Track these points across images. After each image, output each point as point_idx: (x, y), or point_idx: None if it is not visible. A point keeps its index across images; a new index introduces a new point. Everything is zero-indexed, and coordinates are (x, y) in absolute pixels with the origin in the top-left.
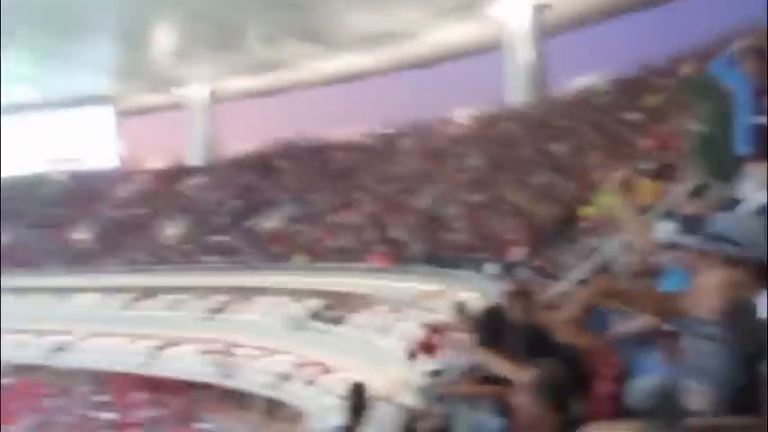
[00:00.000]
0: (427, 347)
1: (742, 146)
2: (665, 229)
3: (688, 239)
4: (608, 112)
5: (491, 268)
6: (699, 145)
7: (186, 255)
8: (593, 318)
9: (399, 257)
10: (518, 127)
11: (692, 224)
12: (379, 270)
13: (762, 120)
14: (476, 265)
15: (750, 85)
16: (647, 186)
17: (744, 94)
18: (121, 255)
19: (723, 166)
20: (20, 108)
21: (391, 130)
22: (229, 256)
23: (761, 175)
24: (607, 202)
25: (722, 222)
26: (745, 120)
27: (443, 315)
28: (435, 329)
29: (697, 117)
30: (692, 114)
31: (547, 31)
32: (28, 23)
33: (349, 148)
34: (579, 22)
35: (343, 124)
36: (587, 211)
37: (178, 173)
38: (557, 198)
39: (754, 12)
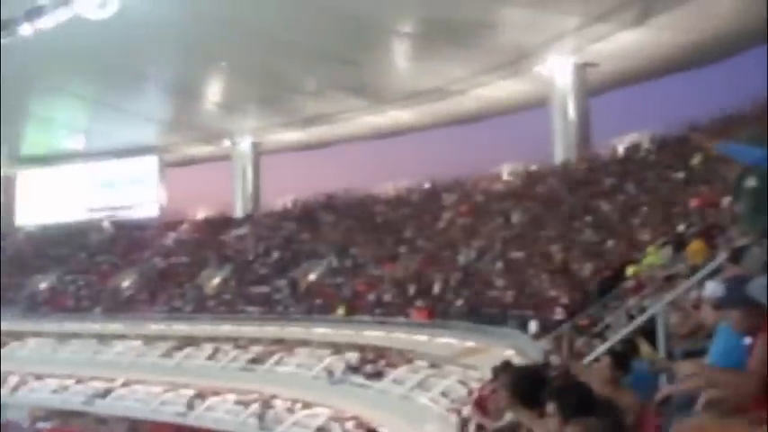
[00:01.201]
0: (480, 406)
1: None
2: (713, 290)
3: (733, 300)
4: (654, 171)
5: (533, 326)
6: (749, 203)
7: (227, 304)
8: (637, 377)
9: (440, 313)
10: (563, 184)
11: (738, 285)
12: (419, 325)
13: None
14: (518, 323)
15: None
16: (696, 246)
17: None
18: (163, 303)
19: None
20: (69, 157)
21: (435, 186)
22: (270, 307)
23: None
24: (653, 261)
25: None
26: None
27: (484, 373)
28: (485, 389)
29: (748, 175)
30: (741, 173)
31: (592, 89)
32: (80, 74)
33: (393, 202)
34: (625, 80)
35: (388, 178)
36: (633, 269)
37: (222, 223)
38: (602, 256)
39: None
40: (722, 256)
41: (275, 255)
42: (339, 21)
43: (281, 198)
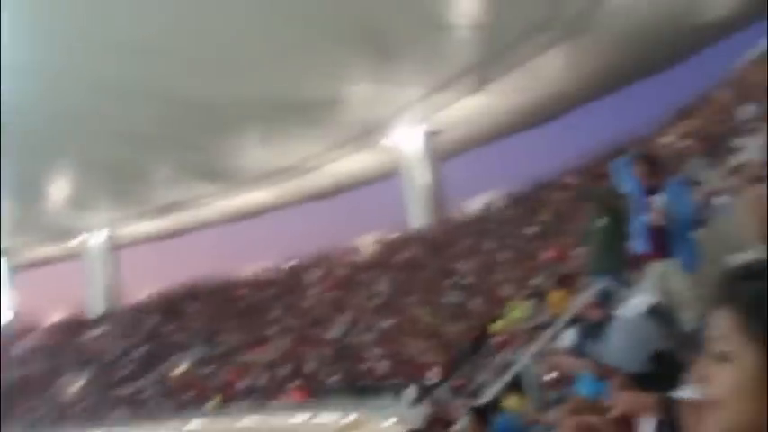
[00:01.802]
0: None
1: (639, 245)
2: (570, 337)
3: (588, 348)
4: (508, 228)
5: (410, 393)
6: (597, 242)
7: (91, 410)
8: (504, 429)
9: (317, 391)
10: (423, 249)
11: (592, 332)
12: (297, 406)
13: (650, 218)
14: (394, 392)
15: (641, 187)
16: (555, 296)
17: (637, 196)
18: (20, 417)
19: (621, 262)
20: None
21: (297, 263)
22: (140, 406)
23: (655, 274)
24: (517, 315)
25: (611, 335)
26: (640, 220)
27: None
28: None
29: (595, 219)
30: (590, 218)
31: (442, 155)
32: None
33: (256, 284)
34: (472, 143)
35: (249, 261)
36: (500, 325)
37: (79, 324)
38: (468, 316)
39: (636, 125)
40: (577, 305)
41: (140, 351)
42: (186, 107)
43: (141, 291)
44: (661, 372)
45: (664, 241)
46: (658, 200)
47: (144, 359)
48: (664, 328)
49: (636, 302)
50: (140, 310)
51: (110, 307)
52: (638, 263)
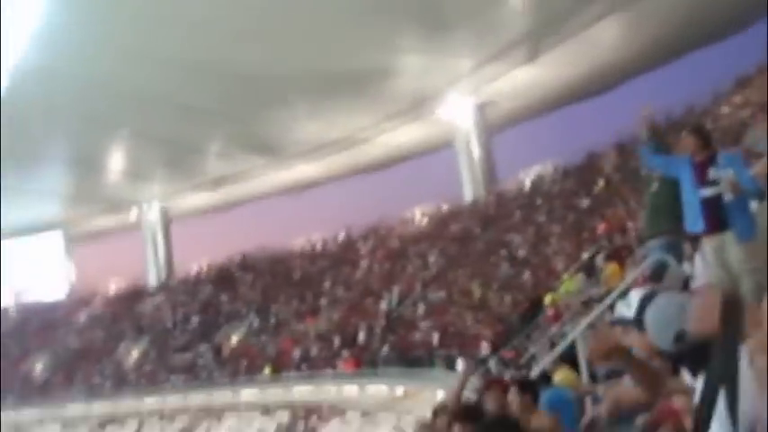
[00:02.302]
0: None
1: (692, 223)
2: (624, 310)
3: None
4: (560, 200)
5: (461, 364)
6: (650, 205)
7: (149, 377)
8: (555, 402)
9: (368, 362)
10: (474, 222)
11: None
12: (348, 376)
13: (706, 192)
14: (445, 363)
15: (692, 163)
16: (610, 270)
17: (687, 173)
18: (81, 383)
19: (676, 225)
20: None
21: (350, 235)
22: (194, 375)
23: (712, 247)
24: (569, 288)
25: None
26: (692, 197)
27: (418, 417)
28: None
29: (651, 182)
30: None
31: (493, 127)
32: None
33: (309, 255)
34: (523, 115)
35: (302, 233)
36: (551, 298)
37: (135, 294)
38: (519, 288)
39: (692, 95)
40: (631, 278)
41: (194, 320)
42: (237, 81)
43: (195, 263)
44: (690, 352)
45: (720, 214)
46: (718, 173)
47: (199, 329)
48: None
49: (633, 296)
50: (195, 281)
51: (165, 278)
52: (694, 239)
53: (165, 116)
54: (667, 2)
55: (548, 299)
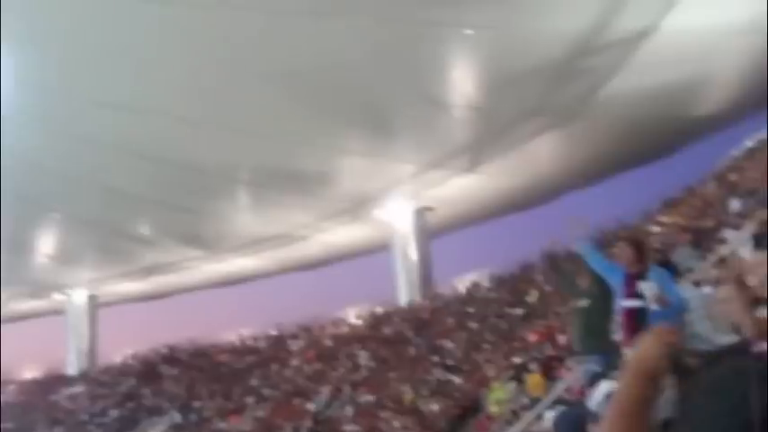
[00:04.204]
0: None
1: (616, 331)
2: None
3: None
4: (494, 308)
5: None
6: (580, 323)
7: None
8: None
9: None
10: (408, 325)
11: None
12: None
13: (630, 303)
14: None
15: (624, 272)
16: (533, 380)
17: (619, 281)
18: None
19: (606, 344)
20: None
21: (281, 332)
22: None
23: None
24: (499, 396)
25: None
26: (618, 305)
27: None
28: None
29: (578, 300)
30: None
31: (431, 232)
32: None
33: (237, 351)
34: (461, 222)
35: (232, 327)
36: (479, 406)
37: (53, 382)
38: (450, 394)
39: (624, 213)
40: (560, 388)
41: (113, 414)
42: (176, 169)
43: (120, 352)
44: None
45: (640, 326)
46: (647, 285)
47: (116, 423)
48: None
49: (600, 389)
50: (118, 372)
51: (87, 366)
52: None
53: (98, 200)
54: (603, 124)
55: (477, 406)
